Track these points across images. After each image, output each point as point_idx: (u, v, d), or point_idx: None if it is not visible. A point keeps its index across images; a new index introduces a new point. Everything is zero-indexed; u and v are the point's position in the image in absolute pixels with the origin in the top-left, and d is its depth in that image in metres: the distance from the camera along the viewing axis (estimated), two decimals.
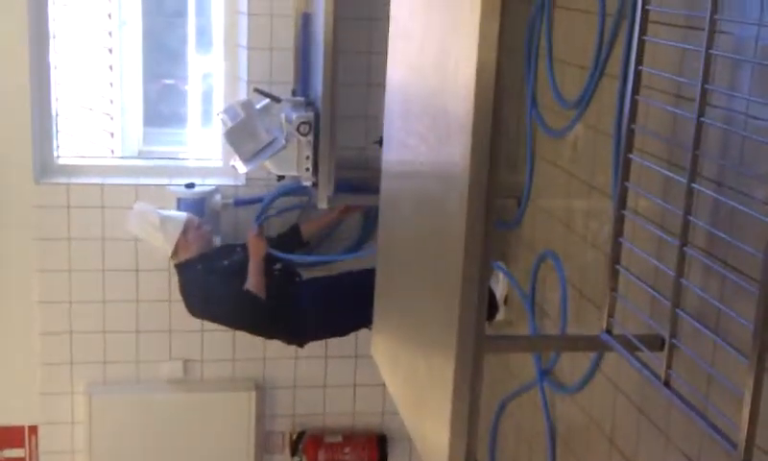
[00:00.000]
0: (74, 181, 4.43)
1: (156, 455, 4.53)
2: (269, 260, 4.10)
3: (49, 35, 4.41)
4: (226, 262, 4.15)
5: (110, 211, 4.42)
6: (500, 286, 3.91)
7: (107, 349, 4.53)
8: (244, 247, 4.17)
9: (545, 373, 3.51)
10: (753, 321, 1.79)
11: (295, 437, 4.76)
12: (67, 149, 4.62)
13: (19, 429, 4.57)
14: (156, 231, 4.07)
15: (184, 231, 4.06)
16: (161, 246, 4.10)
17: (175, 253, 4.10)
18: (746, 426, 1.80)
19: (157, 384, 4.58)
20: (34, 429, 4.57)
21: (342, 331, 4.31)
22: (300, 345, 4.34)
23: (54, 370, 4.52)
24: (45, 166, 4.47)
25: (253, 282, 4.03)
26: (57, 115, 4.54)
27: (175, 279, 4.28)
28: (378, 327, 2.99)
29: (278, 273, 4.20)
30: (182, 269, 4.12)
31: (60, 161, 4.55)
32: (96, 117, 4.73)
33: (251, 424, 4.60)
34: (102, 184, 4.43)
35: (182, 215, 4.13)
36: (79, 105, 4.67)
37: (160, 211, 4.11)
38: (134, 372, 4.58)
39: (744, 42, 2.22)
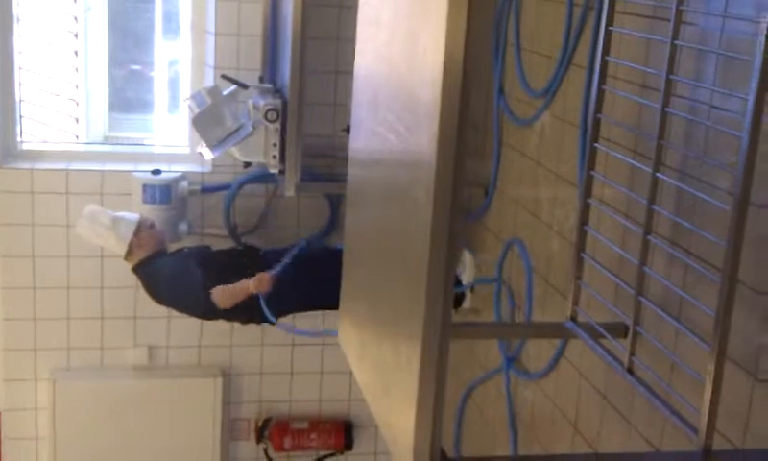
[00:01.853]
0: (38, 166, 4.39)
1: (121, 442, 4.51)
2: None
3: (13, 18, 4.35)
4: (186, 249, 4.12)
5: (75, 197, 4.38)
6: (467, 274, 3.93)
7: (71, 335, 4.50)
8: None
9: (510, 360, 3.53)
10: (714, 308, 1.82)
11: (261, 424, 4.76)
12: (31, 134, 4.57)
13: None
14: (108, 231, 3.99)
15: (137, 232, 3.98)
16: (114, 247, 4.01)
17: (129, 253, 4.01)
18: (707, 412, 1.83)
19: (122, 371, 4.56)
20: None
21: (315, 303, 4.21)
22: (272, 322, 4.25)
23: (17, 356, 4.48)
24: (8, 151, 4.42)
25: (224, 296, 3.91)
26: (21, 100, 4.48)
27: (129, 265, 4.25)
28: (345, 315, 2.99)
29: (242, 250, 4.22)
30: (140, 269, 4.05)
31: (24, 146, 4.51)
32: (61, 102, 4.67)
33: (216, 411, 4.59)
34: (66, 170, 4.39)
35: (135, 216, 4.05)
36: (43, 90, 4.62)
37: (112, 213, 4.03)
38: (99, 358, 4.55)
39: (709, 34, 2.24)
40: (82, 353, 4.53)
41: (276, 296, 4.06)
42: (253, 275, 3.94)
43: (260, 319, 4.08)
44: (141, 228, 4.01)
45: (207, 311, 4.01)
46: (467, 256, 3.94)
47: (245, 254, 4.16)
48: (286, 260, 4.04)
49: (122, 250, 4.00)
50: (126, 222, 4.00)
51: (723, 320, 1.81)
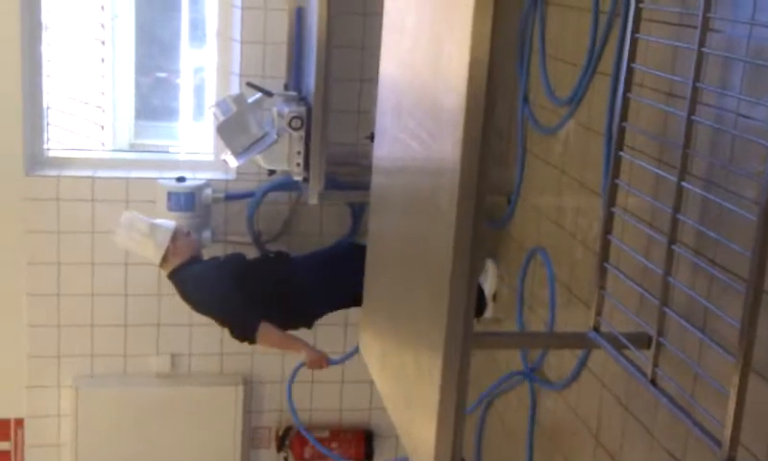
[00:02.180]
0: (64, 173, 4.42)
1: (143, 449, 4.52)
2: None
3: (41, 26, 4.39)
4: (222, 258, 4.14)
5: (100, 204, 4.40)
6: (489, 283, 3.91)
7: (94, 342, 4.52)
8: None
9: (532, 369, 3.51)
10: (740, 320, 1.80)
11: (281, 432, 4.76)
12: (58, 141, 4.60)
13: (5, 422, 4.55)
14: (146, 239, 3.98)
15: (173, 239, 3.98)
16: (151, 254, 4.00)
17: (164, 260, 4.00)
18: (731, 425, 1.80)
19: (145, 378, 4.57)
20: (20, 422, 4.55)
21: (346, 300, 4.17)
22: (309, 325, 4.22)
23: (41, 362, 4.51)
24: (35, 158, 4.46)
25: (266, 336, 3.93)
26: (48, 107, 4.52)
27: (164, 272, 4.27)
28: (367, 323, 2.99)
29: (273, 257, 4.22)
30: (175, 276, 4.03)
31: (51, 154, 4.54)
32: (87, 110, 4.71)
33: (237, 419, 4.59)
34: (92, 177, 4.42)
35: (171, 223, 4.05)
36: (70, 97, 4.65)
37: (149, 219, 4.04)
38: (122, 365, 4.57)
39: (736, 41, 2.22)
40: (105, 361, 4.55)
41: (313, 295, 4.08)
42: (286, 283, 4.00)
43: (298, 323, 4.14)
44: (178, 235, 4.01)
45: (245, 326, 4.01)
46: (489, 265, 3.92)
47: (276, 260, 4.19)
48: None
49: (158, 257, 3.99)
50: (163, 229, 4.00)
51: (748, 331, 1.78)
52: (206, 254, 4.42)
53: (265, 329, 3.89)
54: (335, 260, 4.15)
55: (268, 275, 4.06)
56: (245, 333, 3.96)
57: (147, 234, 3.99)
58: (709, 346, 1.99)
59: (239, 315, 3.94)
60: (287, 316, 4.04)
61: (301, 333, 4.27)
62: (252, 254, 4.43)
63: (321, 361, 4.04)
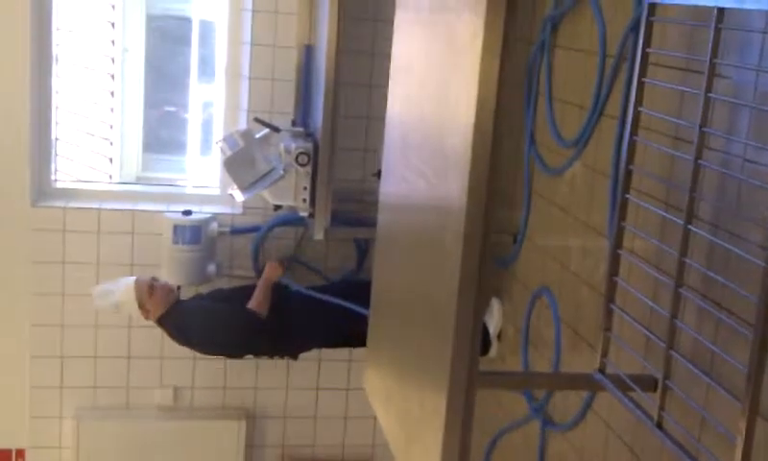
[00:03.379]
0: (71, 205, 4.43)
1: None
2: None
3: (52, 59, 4.43)
4: (203, 292, 4.20)
5: (106, 237, 4.42)
6: (494, 321, 3.91)
7: (97, 374, 4.51)
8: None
9: (537, 410, 3.49)
10: (747, 364, 1.79)
11: None
12: (66, 173, 4.62)
13: (6, 453, 4.53)
14: (119, 309, 4.10)
15: (140, 303, 4.03)
16: (134, 315, 4.12)
17: (146, 313, 4.07)
18: None
19: (147, 411, 4.56)
20: (21, 453, 4.54)
21: (338, 339, 4.24)
22: (294, 357, 4.29)
23: (44, 393, 4.50)
24: (43, 190, 4.47)
25: (257, 302, 4.05)
26: (56, 139, 4.54)
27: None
28: (371, 360, 2.98)
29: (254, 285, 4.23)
30: (163, 322, 4.10)
31: (58, 185, 4.56)
32: (95, 142, 4.74)
33: (240, 454, 4.57)
34: (99, 209, 4.43)
35: (128, 281, 4.08)
36: (79, 129, 4.68)
37: (110, 298, 4.07)
38: (124, 398, 4.56)
39: (743, 87, 2.23)
40: (107, 393, 4.54)
41: (304, 327, 4.09)
42: (278, 311, 4.07)
43: (285, 352, 4.20)
44: (141, 286, 4.04)
45: (240, 345, 4.14)
46: (494, 304, 3.91)
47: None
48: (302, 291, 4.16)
49: (137, 314, 4.08)
50: (126, 302, 4.05)
51: (755, 376, 1.78)
52: (211, 289, 4.42)
53: (254, 304, 4.05)
54: (337, 294, 4.15)
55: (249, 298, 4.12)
56: (251, 329, 4.06)
57: (117, 313, 4.12)
58: (716, 390, 1.98)
59: (234, 320, 4.06)
60: (273, 344, 4.12)
61: (307, 371, 4.30)
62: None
63: (273, 266, 4.15)
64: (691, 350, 2.28)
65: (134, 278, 4.10)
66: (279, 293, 4.15)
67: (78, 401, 4.52)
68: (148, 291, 4.04)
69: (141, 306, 4.04)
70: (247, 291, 4.15)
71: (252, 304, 4.04)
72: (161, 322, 4.09)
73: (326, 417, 4.74)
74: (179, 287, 4.19)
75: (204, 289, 4.38)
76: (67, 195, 4.52)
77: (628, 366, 2.42)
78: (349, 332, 4.03)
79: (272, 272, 4.14)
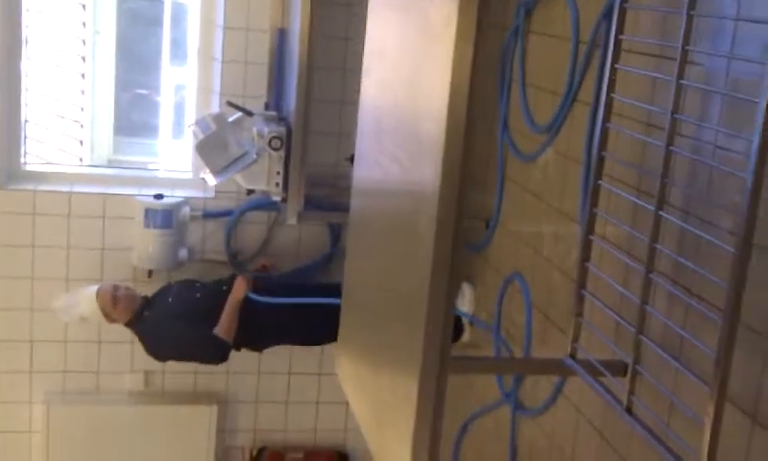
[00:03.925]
0: (41, 188, 4.39)
1: None
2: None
3: (21, 41, 4.37)
4: (170, 300, 4.09)
5: (77, 220, 4.38)
6: (466, 306, 3.92)
7: (67, 358, 4.48)
8: (179, 282, 4.20)
9: (508, 395, 3.51)
10: (715, 349, 1.81)
11: (255, 453, 4.73)
12: (35, 155, 4.57)
13: None
14: (84, 321, 4.09)
15: (105, 313, 4.00)
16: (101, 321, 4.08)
17: (111, 320, 4.05)
18: (706, 454, 1.81)
19: (118, 396, 4.53)
20: None
21: (306, 339, 4.24)
22: (259, 350, 4.31)
23: (12, 378, 4.46)
24: (12, 172, 4.43)
25: (225, 328, 3.98)
26: (26, 122, 4.49)
27: (140, 288, 4.24)
28: (343, 345, 2.98)
29: (226, 279, 4.18)
30: (132, 328, 4.09)
31: (28, 168, 4.51)
32: (66, 125, 4.69)
33: (211, 439, 4.56)
34: (69, 192, 4.39)
35: (90, 291, 4.04)
36: (49, 112, 4.63)
37: (74, 311, 4.05)
38: (95, 382, 4.53)
39: (714, 74, 2.24)
40: (77, 377, 4.51)
41: (275, 337, 4.11)
42: (246, 310, 4.01)
43: (252, 344, 4.16)
44: (104, 296, 3.99)
45: (208, 362, 4.12)
46: (466, 289, 3.92)
47: (229, 292, 4.08)
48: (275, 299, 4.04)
49: (102, 320, 4.05)
50: (87, 302, 4.01)
51: (724, 361, 1.79)
52: (182, 273, 4.40)
53: (221, 330, 3.97)
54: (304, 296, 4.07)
55: (222, 303, 4.03)
56: (216, 354, 4.02)
57: (81, 319, 4.08)
58: (685, 375, 2.00)
59: (201, 348, 4.01)
60: (238, 338, 4.05)
61: (279, 356, 4.28)
62: (227, 273, 4.42)
63: (241, 283, 4.04)
64: (661, 335, 2.30)
65: (96, 288, 4.06)
66: (246, 307, 4.05)
67: (47, 386, 4.49)
68: (111, 301, 4.00)
69: (106, 316, 4.02)
70: (218, 293, 4.06)
71: (219, 331, 3.97)
72: (129, 326, 4.08)
73: (298, 402, 4.74)
74: (144, 296, 4.12)
75: (176, 275, 4.36)
76: (37, 178, 4.47)
77: (599, 351, 2.43)
78: (323, 333, 3.96)
79: (238, 291, 4.01)
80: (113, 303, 4.00)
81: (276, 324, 4.09)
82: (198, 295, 4.10)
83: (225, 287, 4.10)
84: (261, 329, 4.10)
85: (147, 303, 4.09)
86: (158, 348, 4.08)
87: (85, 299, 4.03)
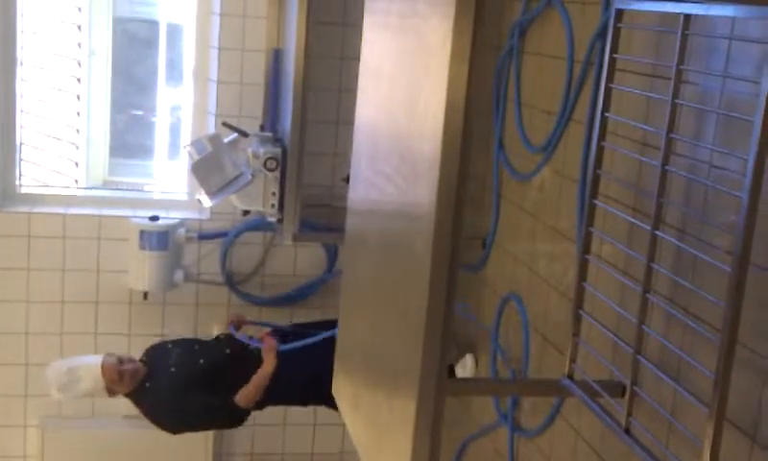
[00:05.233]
0: (36, 210, 4.38)
1: None
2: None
3: (16, 62, 4.37)
4: (173, 369, 3.88)
5: (72, 242, 4.37)
6: (467, 376, 3.85)
7: None
8: (175, 345, 4.02)
9: (506, 416, 3.49)
10: (713, 370, 1.80)
11: None
12: (31, 177, 4.57)
13: None
14: (86, 396, 3.90)
15: (109, 389, 3.80)
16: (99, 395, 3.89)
17: (112, 393, 3.85)
18: None
19: (113, 419, 4.50)
20: None
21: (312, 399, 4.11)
22: (260, 408, 4.08)
23: (7, 402, 4.44)
24: (7, 194, 4.42)
25: (248, 398, 3.85)
26: (21, 144, 4.49)
27: (136, 310, 4.23)
28: (340, 367, 2.96)
29: (228, 352, 3.99)
30: (133, 399, 3.91)
31: (23, 190, 4.50)
32: (61, 146, 4.68)
33: None
34: (64, 214, 4.38)
35: (95, 366, 3.79)
36: (44, 133, 4.62)
37: (75, 387, 3.80)
38: (90, 406, 4.50)
39: (709, 93, 2.24)
40: (73, 401, 4.48)
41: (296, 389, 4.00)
42: (247, 371, 3.86)
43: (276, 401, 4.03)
44: (110, 373, 3.78)
45: (232, 421, 3.98)
46: (468, 360, 3.86)
47: (232, 356, 3.96)
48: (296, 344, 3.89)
49: (102, 393, 3.85)
50: (92, 382, 3.78)
51: (722, 382, 1.78)
52: (178, 295, 4.39)
53: (240, 395, 3.84)
54: (310, 357, 3.90)
55: (227, 372, 3.90)
56: (229, 419, 3.93)
57: (83, 396, 3.87)
58: (683, 396, 1.99)
59: (210, 414, 3.89)
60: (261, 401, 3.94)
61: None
62: (223, 295, 4.41)
63: (270, 359, 3.86)
64: (659, 355, 2.29)
65: (99, 360, 3.82)
66: (242, 358, 3.93)
67: (43, 410, 4.46)
68: (118, 376, 3.79)
69: (109, 390, 3.82)
70: (221, 358, 3.92)
71: (240, 400, 3.83)
72: (129, 396, 3.90)
73: (295, 424, 4.71)
74: (145, 365, 3.91)
75: (171, 297, 4.34)
76: (32, 200, 4.46)
77: (596, 371, 2.42)
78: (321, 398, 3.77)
79: (269, 364, 3.85)
80: (119, 378, 3.80)
81: (301, 385, 3.97)
82: (201, 361, 3.92)
83: (227, 351, 3.97)
84: (286, 392, 3.99)
85: (148, 374, 3.88)
86: (166, 418, 3.89)
87: (88, 374, 3.79)
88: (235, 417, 3.92)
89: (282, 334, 4.10)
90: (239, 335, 4.00)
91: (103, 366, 3.78)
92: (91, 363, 3.82)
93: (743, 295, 1.76)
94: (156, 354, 3.97)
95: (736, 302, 1.76)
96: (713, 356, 1.80)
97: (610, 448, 2.69)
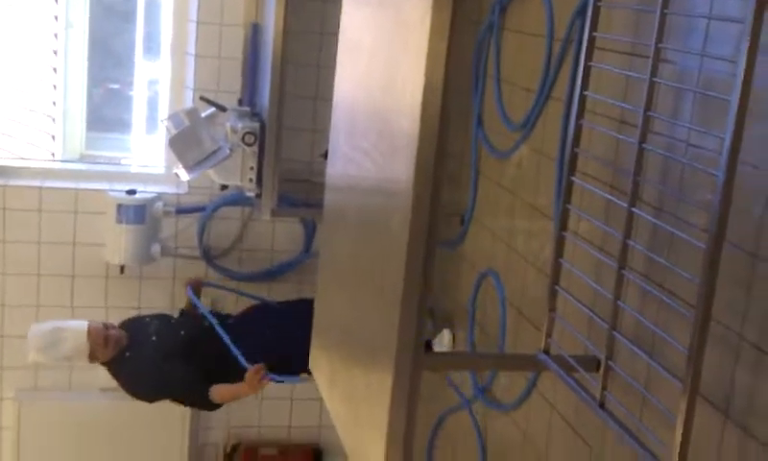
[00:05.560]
0: (12, 182, 4.35)
1: None
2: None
3: None
4: (154, 338, 3.89)
5: (48, 215, 4.34)
6: (445, 347, 3.87)
7: None
8: (160, 318, 4.03)
9: (482, 390, 3.52)
10: (687, 345, 1.82)
11: (229, 449, 4.71)
12: (6, 150, 4.53)
13: None
14: (66, 360, 3.89)
15: (92, 352, 3.78)
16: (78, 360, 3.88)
17: (93, 358, 3.83)
18: (678, 450, 1.82)
19: (90, 392, 4.49)
20: None
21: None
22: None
23: None
24: None
25: (222, 398, 3.86)
26: None
27: (112, 284, 4.21)
28: (317, 341, 2.97)
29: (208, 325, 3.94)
30: (111, 367, 3.90)
31: None
32: (38, 119, 4.64)
33: (184, 436, 4.54)
34: (40, 187, 4.35)
35: (81, 330, 3.79)
36: (20, 106, 4.58)
37: (59, 348, 3.78)
38: (66, 378, 4.49)
39: (687, 72, 2.26)
40: (49, 374, 4.47)
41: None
42: (222, 350, 3.84)
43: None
44: (95, 338, 3.78)
45: (210, 409, 3.96)
46: (445, 335, 3.88)
47: (208, 332, 3.91)
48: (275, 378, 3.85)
49: (83, 359, 3.84)
50: (76, 346, 3.77)
51: (696, 357, 1.80)
52: (155, 269, 4.38)
53: (216, 390, 3.83)
54: (286, 325, 3.98)
55: (203, 347, 3.90)
56: (201, 403, 3.92)
57: (64, 357, 3.84)
58: (658, 371, 2.01)
59: (187, 389, 3.87)
60: (228, 374, 3.93)
61: None
62: (200, 269, 4.40)
63: (254, 383, 3.78)
64: (634, 331, 2.31)
65: (84, 324, 3.82)
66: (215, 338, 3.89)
67: (18, 383, 4.44)
68: (103, 340, 3.80)
69: (91, 354, 3.80)
70: (199, 331, 3.91)
71: (214, 396, 3.83)
72: (107, 365, 3.90)
73: (272, 398, 4.72)
74: (127, 334, 3.91)
75: (147, 271, 4.33)
76: (8, 173, 4.43)
77: (572, 347, 2.44)
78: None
79: (252, 387, 3.80)
80: (105, 343, 3.80)
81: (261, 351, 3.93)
82: (182, 332, 3.94)
83: (206, 323, 3.93)
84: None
85: (128, 344, 3.88)
86: (145, 386, 3.88)
87: (73, 335, 3.78)
88: (211, 405, 3.91)
89: (262, 307, 4.12)
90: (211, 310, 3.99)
91: (89, 329, 3.80)
92: (77, 325, 3.83)
93: (717, 272, 1.78)
94: (134, 326, 3.98)
95: (711, 278, 1.78)
96: (688, 332, 1.82)
97: (584, 422, 2.72)
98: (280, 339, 3.92)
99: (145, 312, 4.18)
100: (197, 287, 4.13)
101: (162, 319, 4.03)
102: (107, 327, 3.86)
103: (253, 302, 4.27)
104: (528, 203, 3.21)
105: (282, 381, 3.94)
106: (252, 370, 3.77)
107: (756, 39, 1.67)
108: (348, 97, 2.71)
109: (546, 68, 3.05)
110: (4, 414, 4.45)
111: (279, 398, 4.73)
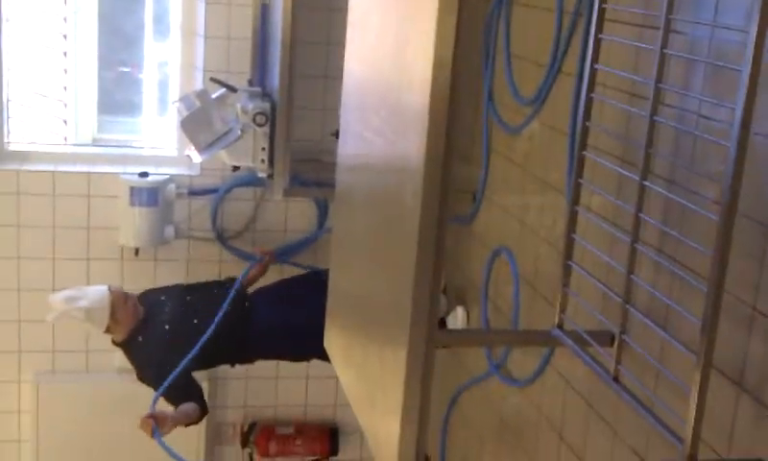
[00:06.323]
0: (25, 167, 4.37)
1: (105, 445, 4.48)
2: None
3: (2, 19, 4.33)
4: (167, 326, 3.92)
5: (61, 199, 4.36)
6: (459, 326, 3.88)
7: (56, 337, 4.47)
8: (169, 295, 4.06)
9: (497, 367, 3.53)
10: (701, 318, 1.82)
11: (246, 428, 4.74)
12: (19, 135, 4.54)
13: None
14: (84, 323, 3.88)
15: (112, 312, 3.81)
16: (93, 331, 3.93)
17: (113, 322, 3.85)
18: (692, 422, 1.82)
19: (107, 374, 4.52)
20: None
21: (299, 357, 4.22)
22: (252, 361, 4.22)
23: (1, 358, 4.45)
24: None
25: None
26: (8, 101, 4.46)
27: (127, 267, 4.23)
28: (331, 320, 2.98)
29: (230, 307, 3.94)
30: (125, 348, 3.94)
31: (11, 147, 4.48)
32: (49, 104, 4.65)
33: None
34: (53, 172, 4.37)
35: (104, 296, 3.82)
36: (32, 91, 4.59)
37: (80, 302, 3.81)
38: (84, 361, 4.53)
39: (698, 43, 2.24)
40: (66, 356, 4.51)
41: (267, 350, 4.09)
42: (244, 326, 3.96)
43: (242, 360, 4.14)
44: (116, 307, 3.82)
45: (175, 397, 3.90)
46: (459, 312, 3.89)
47: (226, 319, 3.91)
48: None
49: (101, 331, 3.89)
50: (98, 310, 3.81)
51: (709, 329, 1.80)
52: (169, 251, 4.40)
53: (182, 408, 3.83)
54: (297, 301, 4.02)
55: (224, 327, 3.89)
56: (174, 400, 3.88)
57: (83, 320, 3.85)
58: (671, 344, 2.01)
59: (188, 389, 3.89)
60: (240, 353, 4.03)
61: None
62: (214, 251, 4.41)
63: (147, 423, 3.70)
64: (647, 304, 2.31)
65: (107, 286, 3.89)
66: (240, 324, 3.97)
67: (36, 366, 4.48)
68: (123, 299, 3.85)
69: (111, 315, 3.82)
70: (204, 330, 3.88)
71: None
72: (121, 345, 3.94)
73: (288, 377, 4.75)
74: (143, 309, 3.95)
75: (162, 252, 4.35)
76: (21, 157, 4.45)
77: (586, 322, 2.44)
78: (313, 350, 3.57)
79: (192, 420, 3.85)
80: (124, 302, 3.85)
81: (268, 341, 4.04)
82: (195, 321, 3.93)
83: (225, 310, 3.92)
84: (251, 347, 4.05)
85: (142, 325, 3.91)
86: (151, 374, 3.87)
87: (95, 293, 3.84)
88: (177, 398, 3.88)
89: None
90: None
91: (110, 288, 3.88)
92: (99, 287, 3.91)
93: (730, 243, 1.77)
94: (148, 303, 4.00)
95: (724, 250, 1.77)
96: (701, 305, 1.82)
97: (599, 397, 2.72)
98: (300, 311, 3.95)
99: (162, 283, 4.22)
100: (268, 261, 4.23)
101: (177, 300, 4.04)
102: (127, 293, 3.93)
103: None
104: (540, 178, 3.20)
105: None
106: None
107: (767, 8, 1.66)
108: (358, 75, 2.71)
109: (557, 42, 3.03)
110: (22, 397, 4.49)
111: (295, 377, 4.75)
